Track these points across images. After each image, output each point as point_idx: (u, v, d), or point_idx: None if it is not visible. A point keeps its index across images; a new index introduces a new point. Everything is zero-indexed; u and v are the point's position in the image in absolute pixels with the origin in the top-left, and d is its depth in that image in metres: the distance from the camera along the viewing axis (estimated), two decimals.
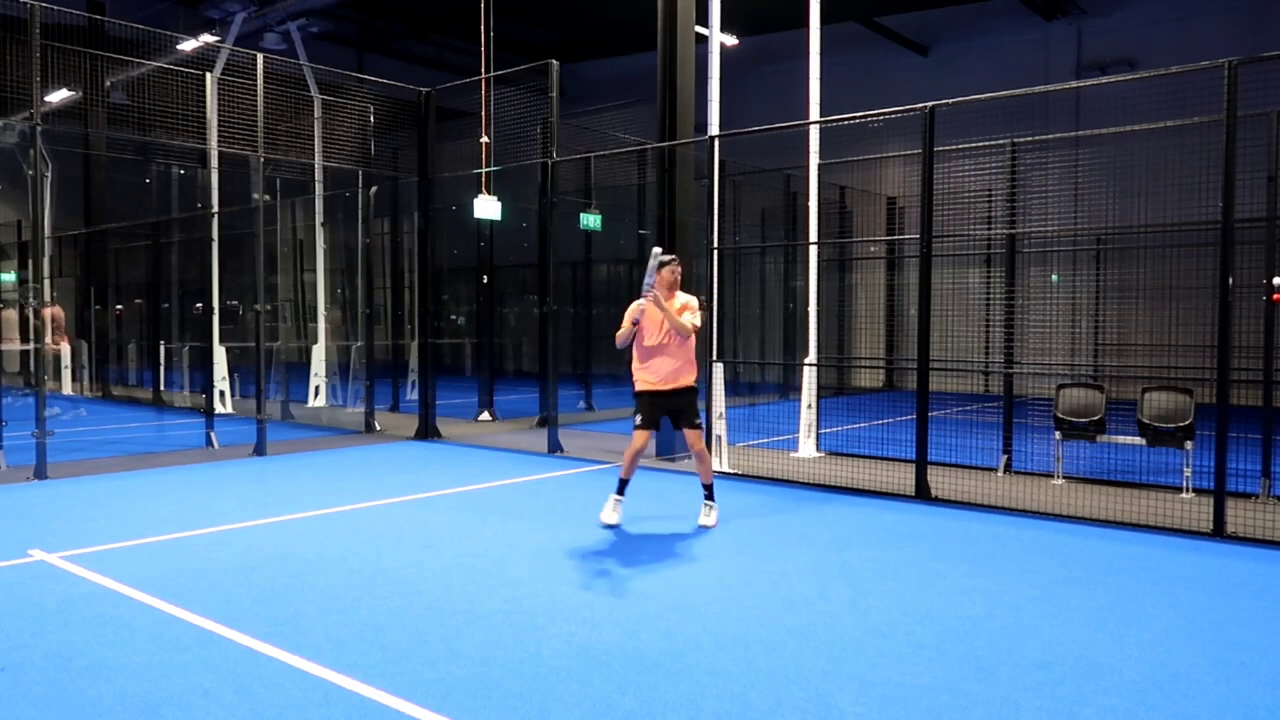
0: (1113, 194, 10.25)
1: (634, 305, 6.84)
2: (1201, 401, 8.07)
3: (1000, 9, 18.98)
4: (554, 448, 10.81)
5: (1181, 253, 10.05)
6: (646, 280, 6.69)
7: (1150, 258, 11.02)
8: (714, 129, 10.00)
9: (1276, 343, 7.58)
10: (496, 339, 17.31)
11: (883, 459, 9.49)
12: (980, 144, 9.37)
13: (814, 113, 10.39)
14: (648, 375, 6.90)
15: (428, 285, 12.94)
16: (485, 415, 14.19)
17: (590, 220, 12.86)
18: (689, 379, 6.94)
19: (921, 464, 8.04)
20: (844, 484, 8.59)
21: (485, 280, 14.59)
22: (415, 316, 15.21)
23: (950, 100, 8.06)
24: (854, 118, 8.77)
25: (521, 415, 14.31)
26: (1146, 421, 8.16)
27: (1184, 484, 7.98)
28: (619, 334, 6.85)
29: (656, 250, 6.84)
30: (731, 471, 9.27)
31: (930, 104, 7.98)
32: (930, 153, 8.02)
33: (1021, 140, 9.34)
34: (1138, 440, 8.29)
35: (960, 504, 7.80)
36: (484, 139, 11.82)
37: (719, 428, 9.43)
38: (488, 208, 11.74)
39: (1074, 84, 10.64)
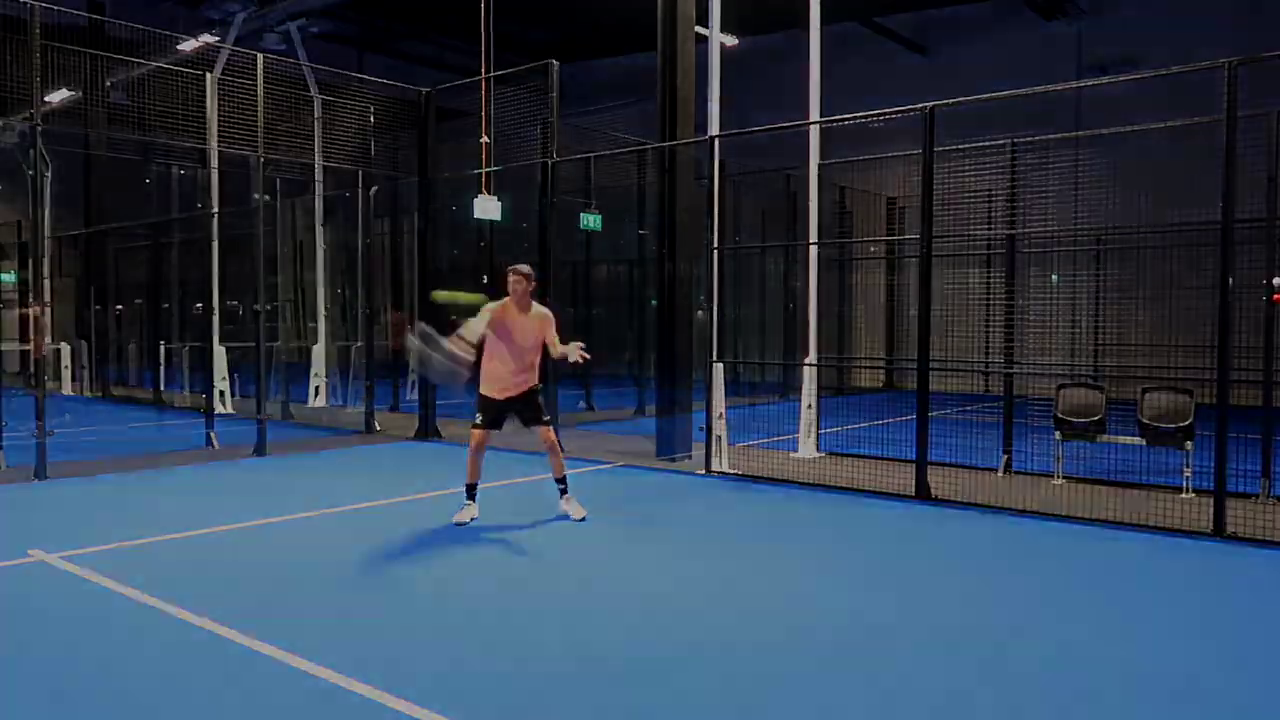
0: (1113, 194, 10.23)
1: (484, 317, 6.54)
2: (1201, 402, 8.07)
3: (1000, 9, 18.97)
4: None
5: (1181, 253, 10.04)
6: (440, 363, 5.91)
7: (1150, 258, 11.00)
8: (714, 129, 9.99)
9: (1276, 343, 7.57)
10: None
11: (883, 459, 9.47)
12: (980, 144, 9.36)
13: (814, 113, 10.39)
14: (496, 383, 6.98)
15: (428, 285, 12.93)
16: None
17: (590, 220, 12.85)
18: (534, 382, 7.19)
19: (921, 464, 8.04)
20: (844, 484, 8.58)
21: (485, 280, 14.57)
22: (415, 317, 15.20)
23: (950, 100, 8.06)
24: (854, 118, 8.77)
25: None
26: (1146, 422, 8.16)
27: (1184, 484, 7.97)
28: (461, 351, 6.06)
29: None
30: (731, 471, 9.26)
31: (930, 104, 7.97)
32: (930, 153, 8.01)
33: (1021, 140, 9.33)
34: (1138, 440, 8.29)
35: (960, 504, 7.79)
36: (484, 139, 11.81)
37: (719, 428, 9.43)
38: (488, 208, 11.73)
39: (1074, 84, 10.63)
